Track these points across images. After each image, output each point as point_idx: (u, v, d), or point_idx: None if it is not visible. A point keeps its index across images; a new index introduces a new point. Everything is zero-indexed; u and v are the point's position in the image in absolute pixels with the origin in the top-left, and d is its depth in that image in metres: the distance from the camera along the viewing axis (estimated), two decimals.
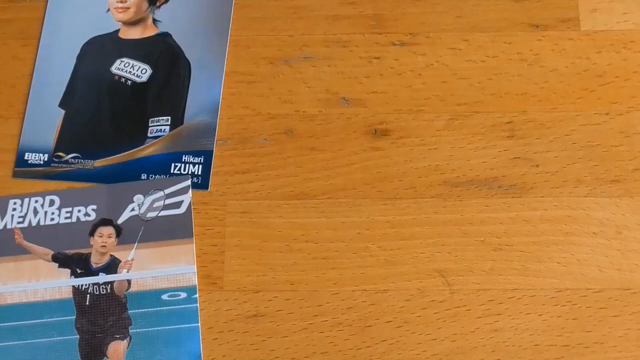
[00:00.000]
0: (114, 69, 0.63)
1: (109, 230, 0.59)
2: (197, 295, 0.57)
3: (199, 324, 0.57)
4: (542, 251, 0.57)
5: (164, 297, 0.58)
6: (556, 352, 0.55)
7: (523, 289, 0.57)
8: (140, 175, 0.60)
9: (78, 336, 0.57)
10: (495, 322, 0.56)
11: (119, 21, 0.65)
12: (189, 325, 0.57)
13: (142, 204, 0.59)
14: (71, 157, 0.61)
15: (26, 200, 0.60)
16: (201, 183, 0.60)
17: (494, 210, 0.58)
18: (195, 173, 0.60)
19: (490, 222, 0.58)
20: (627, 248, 0.57)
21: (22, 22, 0.66)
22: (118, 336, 0.58)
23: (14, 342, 0.57)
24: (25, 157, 0.62)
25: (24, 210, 0.60)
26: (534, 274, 0.57)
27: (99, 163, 0.61)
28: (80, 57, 0.64)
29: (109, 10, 0.65)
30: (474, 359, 0.55)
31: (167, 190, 0.60)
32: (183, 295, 0.58)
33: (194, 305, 0.57)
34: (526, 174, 0.60)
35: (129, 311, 0.58)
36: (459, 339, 0.56)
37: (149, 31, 0.65)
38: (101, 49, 0.64)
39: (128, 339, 0.57)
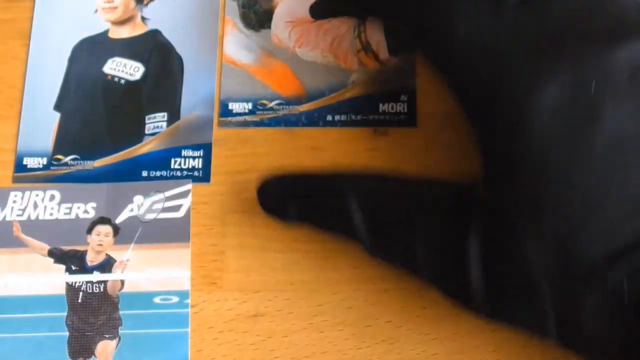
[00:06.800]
0: (106, 68, 0.64)
1: (106, 229, 0.59)
2: (189, 300, 0.56)
3: (189, 330, 0.56)
4: None
5: (156, 299, 0.56)
6: (556, 352, 0.55)
7: None
8: (142, 173, 0.60)
9: (68, 333, 0.56)
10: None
11: (107, 21, 0.65)
12: (179, 329, 0.56)
13: (141, 205, 0.59)
14: (70, 159, 0.61)
15: (27, 193, 0.60)
16: (202, 176, 0.60)
17: None
18: (196, 167, 0.60)
19: None
20: None
21: (22, 22, 0.66)
22: (107, 336, 0.56)
23: (4, 335, 0.55)
24: (24, 162, 0.61)
25: (24, 203, 0.59)
26: None
27: (98, 163, 0.61)
28: (71, 59, 0.64)
29: (97, 10, 0.66)
30: (475, 358, 0.55)
31: (167, 193, 0.59)
32: (175, 299, 0.56)
33: (186, 310, 0.56)
34: None
35: (120, 312, 0.56)
36: (459, 338, 0.56)
37: (138, 29, 0.65)
38: (92, 50, 0.64)
39: (117, 339, 0.56)
